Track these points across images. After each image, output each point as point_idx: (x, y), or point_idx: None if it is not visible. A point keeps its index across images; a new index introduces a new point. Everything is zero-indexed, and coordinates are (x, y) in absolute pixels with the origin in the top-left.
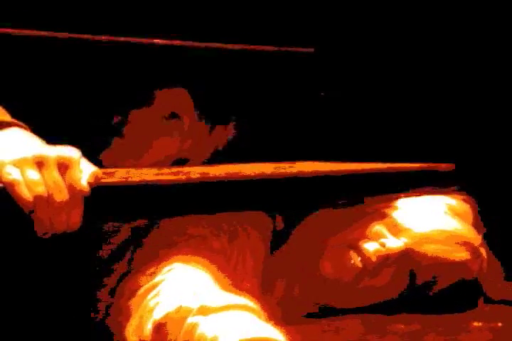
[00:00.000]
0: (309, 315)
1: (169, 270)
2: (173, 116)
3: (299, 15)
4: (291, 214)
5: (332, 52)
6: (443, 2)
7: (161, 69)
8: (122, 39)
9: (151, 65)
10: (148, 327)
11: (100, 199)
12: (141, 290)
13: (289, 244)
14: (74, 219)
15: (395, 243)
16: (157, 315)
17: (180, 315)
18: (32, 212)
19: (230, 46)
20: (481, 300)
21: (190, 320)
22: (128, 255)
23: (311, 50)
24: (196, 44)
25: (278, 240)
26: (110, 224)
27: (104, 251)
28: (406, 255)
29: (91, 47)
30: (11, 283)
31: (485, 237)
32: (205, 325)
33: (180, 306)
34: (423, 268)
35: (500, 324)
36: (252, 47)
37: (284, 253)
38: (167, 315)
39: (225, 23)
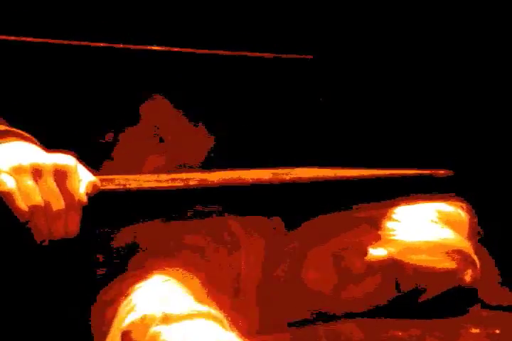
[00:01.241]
0: (304, 320)
1: (147, 279)
2: (157, 134)
3: (298, 22)
4: (290, 220)
5: (331, 59)
6: (442, 9)
7: (158, 76)
8: (121, 46)
9: (146, 71)
10: (118, 336)
11: (99, 206)
12: (119, 298)
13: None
14: (71, 227)
15: (378, 252)
16: (124, 323)
17: (145, 323)
18: (28, 221)
19: (229, 53)
20: (478, 306)
21: (153, 328)
22: (124, 260)
23: (310, 57)
24: (196, 51)
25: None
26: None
27: (102, 256)
28: (390, 264)
29: (70, 53)
30: (9, 286)
31: (483, 243)
32: (167, 335)
33: (145, 315)
34: (407, 277)
35: (498, 330)
36: (252, 54)
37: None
38: (132, 324)
39: (224, 30)
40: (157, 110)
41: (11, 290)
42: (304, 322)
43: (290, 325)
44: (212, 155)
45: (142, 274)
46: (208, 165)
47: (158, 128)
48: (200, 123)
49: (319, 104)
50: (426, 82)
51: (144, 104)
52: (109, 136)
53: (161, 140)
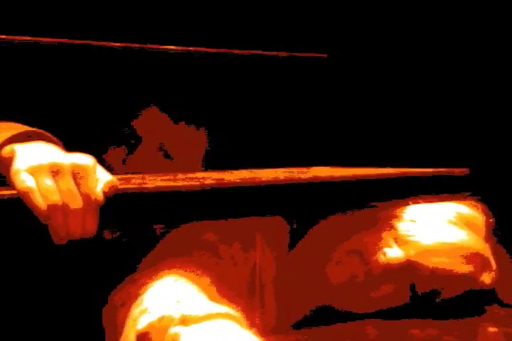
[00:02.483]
0: (308, 321)
1: (158, 279)
2: (163, 150)
3: (313, 21)
4: (305, 218)
5: (345, 57)
6: (454, 9)
7: (172, 74)
8: (137, 45)
9: (159, 71)
10: (132, 337)
11: (115, 205)
12: (131, 300)
13: (299, 247)
14: (89, 227)
15: (395, 253)
16: (140, 324)
17: (163, 324)
18: (46, 220)
19: (242, 52)
20: (495, 305)
21: (172, 330)
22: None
23: (324, 55)
24: (210, 50)
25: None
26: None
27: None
28: (407, 266)
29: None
30: (21, 285)
31: (500, 242)
32: (187, 336)
33: (163, 316)
34: (424, 279)
35: None
36: (266, 52)
37: (293, 257)
38: (150, 325)
39: (237, 29)
40: (157, 123)
41: (26, 289)
42: (320, 322)
43: (305, 324)
44: (226, 154)
45: (153, 273)
46: (221, 165)
47: (162, 143)
48: (202, 127)
49: (332, 104)
50: (442, 80)
51: (144, 119)
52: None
53: (167, 156)
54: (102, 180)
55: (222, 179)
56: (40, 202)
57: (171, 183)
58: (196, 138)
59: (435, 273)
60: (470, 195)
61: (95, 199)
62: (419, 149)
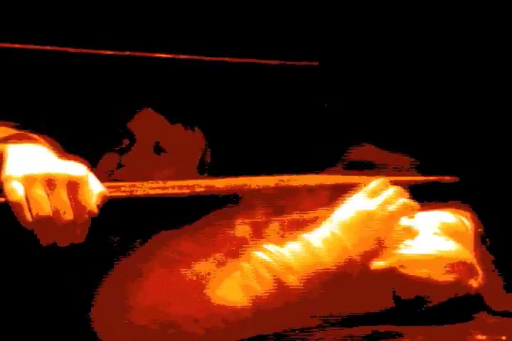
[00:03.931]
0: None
1: None
2: (158, 149)
3: (304, 30)
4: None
5: (336, 65)
6: (445, 14)
7: (164, 83)
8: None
9: (151, 78)
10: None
11: (105, 213)
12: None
13: None
14: (79, 236)
15: (378, 261)
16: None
17: None
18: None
19: (234, 60)
20: (484, 313)
21: None
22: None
23: (316, 63)
24: (203, 58)
25: None
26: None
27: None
28: (388, 274)
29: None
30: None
31: (487, 249)
32: None
33: None
34: (407, 288)
35: (504, 337)
36: (259, 61)
37: None
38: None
39: (231, 38)
40: (152, 124)
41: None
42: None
43: (288, 331)
44: (216, 162)
45: None
46: (212, 173)
47: (158, 143)
48: (197, 131)
49: (324, 110)
50: (430, 87)
51: (139, 120)
52: (111, 158)
53: (162, 150)
54: (94, 191)
55: (213, 186)
56: (27, 214)
57: (161, 191)
58: (193, 141)
59: (418, 282)
60: (459, 203)
61: (89, 211)
62: (410, 156)
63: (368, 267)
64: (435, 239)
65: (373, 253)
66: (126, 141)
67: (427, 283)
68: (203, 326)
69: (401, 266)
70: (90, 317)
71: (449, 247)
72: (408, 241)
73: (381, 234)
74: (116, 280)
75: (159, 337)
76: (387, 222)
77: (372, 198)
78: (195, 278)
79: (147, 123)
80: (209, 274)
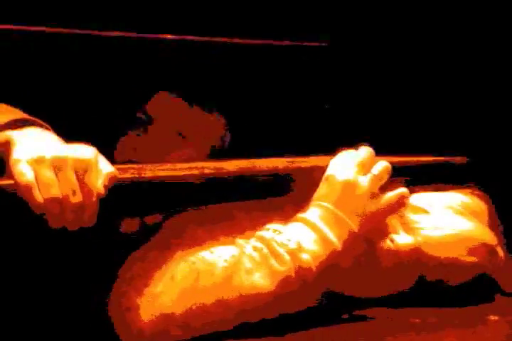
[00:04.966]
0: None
1: None
2: (176, 131)
3: (314, 9)
4: None
5: (347, 45)
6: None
7: (173, 66)
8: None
9: (159, 61)
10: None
11: (114, 195)
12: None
13: None
14: (88, 218)
15: (404, 239)
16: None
17: None
18: (43, 213)
19: (244, 41)
20: (497, 294)
21: None
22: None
23: (326, 44)
24: (211, 39)
25: None
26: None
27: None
28: (415, 253)
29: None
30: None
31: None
32: None
33: None
34: (431, 268)
35: None
36: (268, 41)
37: None
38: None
39: (238, 18)
40: (169, 106)
41: (24, 282)
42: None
43: (309, 308)
44: (229, 143)
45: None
46: (224, 154)
47: (177, 125)
48: (215, 113)
49: (334, 92)
50: (442, 69)
51: (156, 102)
52: (128, 140)
53: (181, 135)
54: (103, 171)
55: (221, 168)
56: (37, 196)
57: (170, 172)
58: (212, 124)
59: (443, 264)
60: (473, 184)
61: (97, 193)
62: (419, 138)
63: (376, 244)
64: (458, 219)
65: (371, 225)
66: (143, 123)
67: (450, 263)
68: (233, 310)
69: (425, 244)
70: (107, 305)
71: (472, 227)
72: (431, 221)
73: (370, 207)
74: (137, 267)
75: (187, 325)
76: (376, 199)
77: (361, 171)
78: (219, 264)
79: (164, 106)
80: (231, 258)
